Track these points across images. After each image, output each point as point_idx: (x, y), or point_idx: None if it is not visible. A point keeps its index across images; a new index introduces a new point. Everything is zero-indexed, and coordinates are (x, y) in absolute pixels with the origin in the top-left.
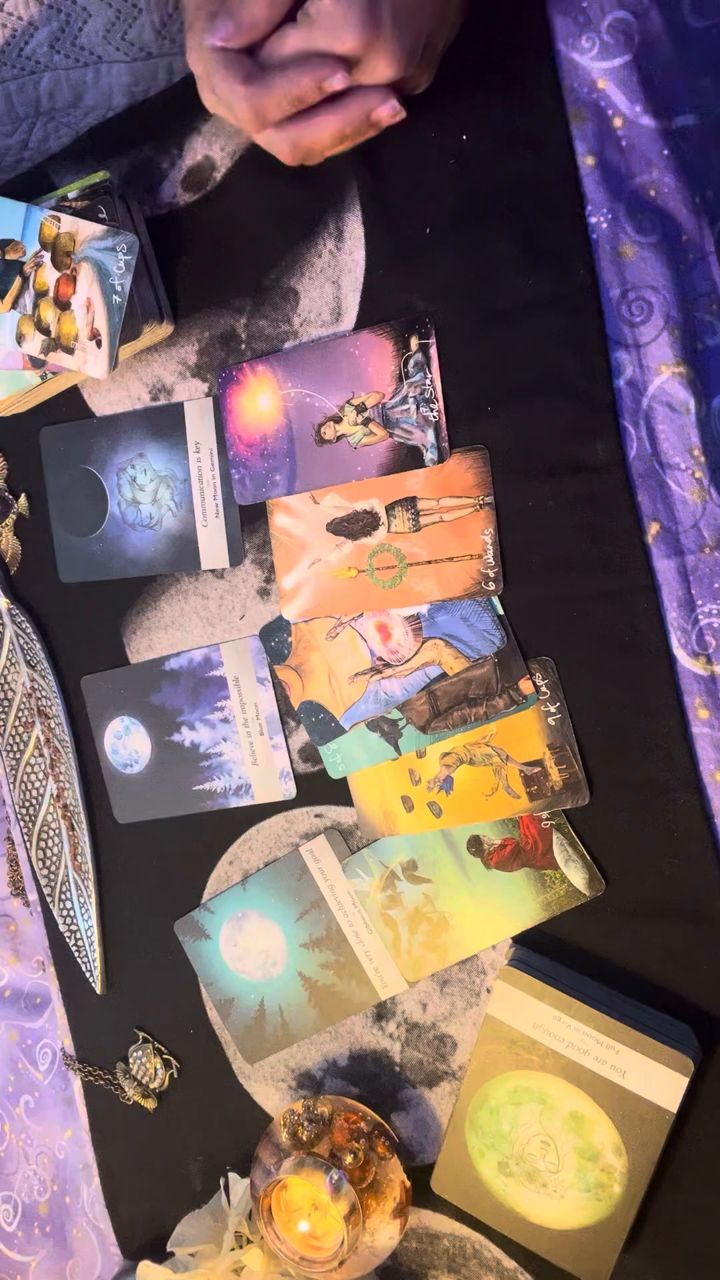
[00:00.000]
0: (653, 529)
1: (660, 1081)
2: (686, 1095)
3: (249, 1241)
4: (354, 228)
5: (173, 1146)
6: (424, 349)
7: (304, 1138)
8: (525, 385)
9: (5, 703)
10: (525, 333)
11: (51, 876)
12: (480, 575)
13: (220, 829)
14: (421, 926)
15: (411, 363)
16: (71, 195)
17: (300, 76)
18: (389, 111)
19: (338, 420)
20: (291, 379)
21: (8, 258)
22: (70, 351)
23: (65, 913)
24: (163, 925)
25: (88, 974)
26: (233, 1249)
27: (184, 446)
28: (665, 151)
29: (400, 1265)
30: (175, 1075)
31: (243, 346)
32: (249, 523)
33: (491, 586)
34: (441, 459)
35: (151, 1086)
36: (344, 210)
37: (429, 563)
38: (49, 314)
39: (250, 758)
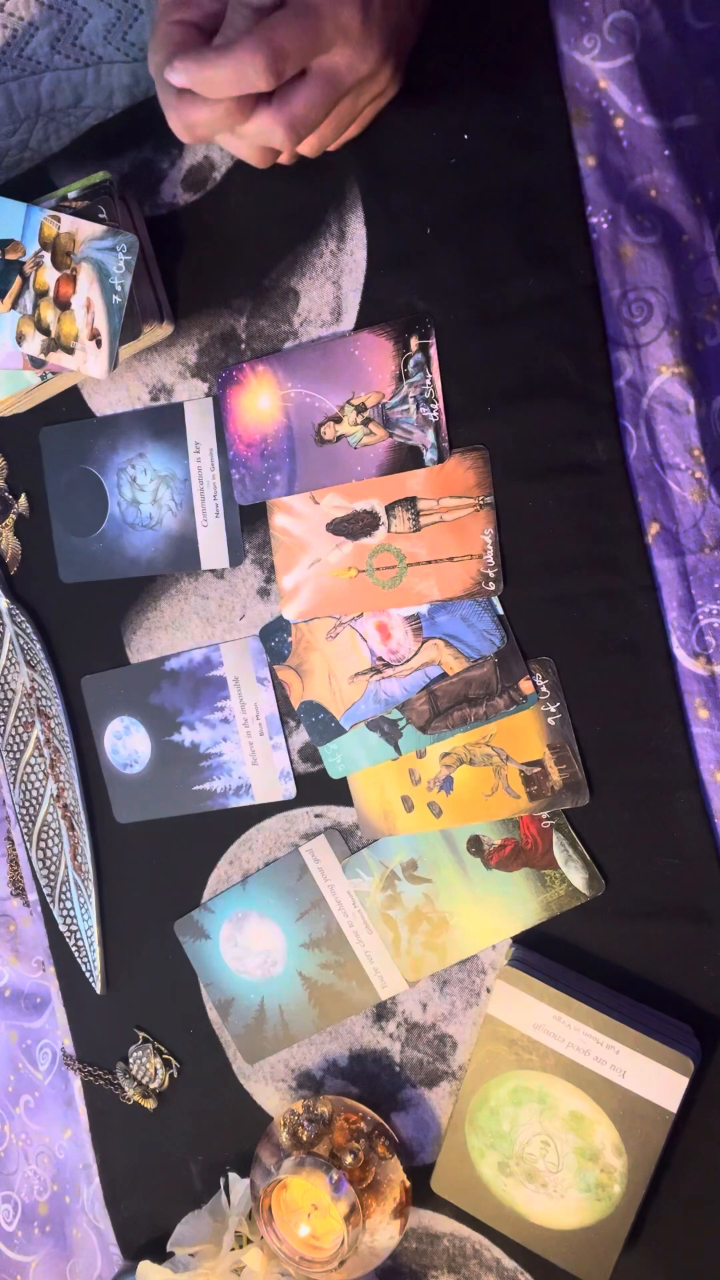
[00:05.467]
0: (653, 529)
1: (660, 1081)
2: (686, 1095)
3: (249, 1241)
4: (355, 228)
5: (173, 1146)
6: (424, 349)
7: (304, 1138)
8: (525, 385)
9: (5, 703)
10: (525, 333)
11: (51, 876)
12: (480, 575)
13: (220, 829)
14: (421, 926)
15: (411, 363)
16: (71, 195)
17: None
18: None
19: (338, 420)
20: (291, 379)
21: (8, 258)
22: (70, 351)
23: (65, 913)
24: (163, 925)
25: (88, 974)
26: (233, 1249)
27: (184, 446)
28: (666, 152)
29: (400, 1265)
30: (175, 1075)
31: (243, 346)
32: (249, 523)
33: (491, 586)
34: (441, 459)
35: (151, 1086)
36: (345, 210)
37: (429, 563)
38: (49, 314)
39: (250, 758)
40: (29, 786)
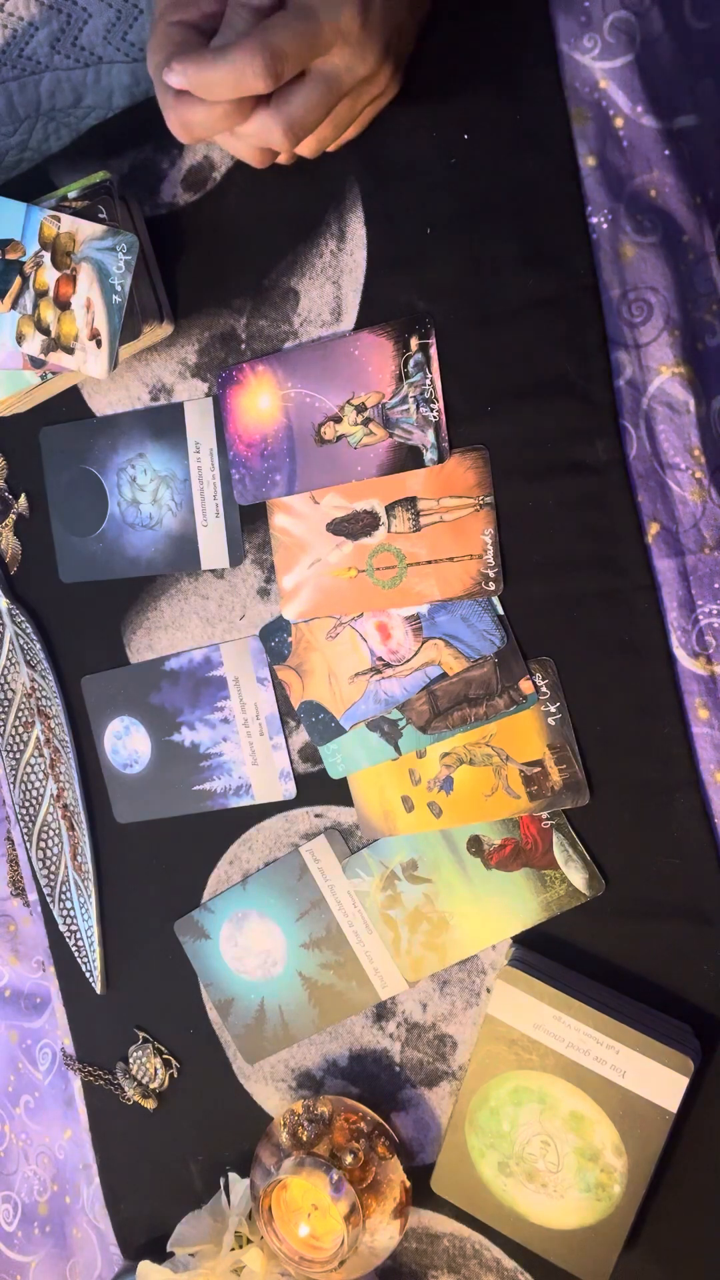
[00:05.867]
0: (653, 529)
1: (660, 1081)
2: (686, 1095)
3: (249, 1241)
4: (355, 228)
5: (173, 1146)
6: (424, 349)
7: (304, 1138)
8: (525, 385)
9: (5, 703)
10: (525, 333)
11: (51, 876)
12: (480, 575)
13: (220, 829)
14: (421, 926)
15: (411, 363)
16: (71, 195)
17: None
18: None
19: (338, 420)
20: (291, 379)
21: (8, 258)
22: (70, 351)
23: (65, 913)
24: (163, 925)
25: (88, 974)
26: (233, 1249)
27: (184, 446)
28: (666, 152)
29: (400, 1265)
30: (175, 1075)
31: (243, 346)
32: (249, 523)
33: (491, 586)
34: (441, 459)
35: (151, 1086)
36: (345, 210)
37: (429, 563)
38: (49, 314)
39: (250, 758)
40: (29, 786)
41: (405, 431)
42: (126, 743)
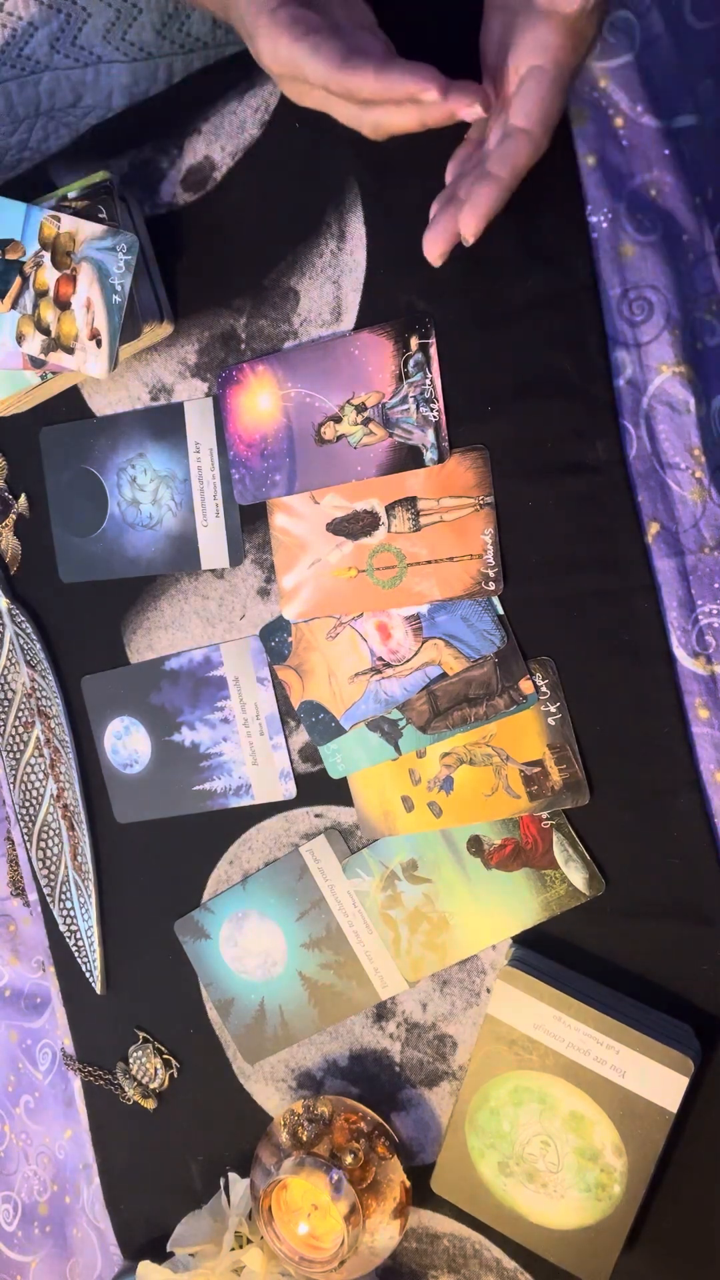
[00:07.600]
0: (653, 529)
1: (660, 1081)
2: (686, 1095)
3: (249, 1241)
4: (355, 228)
5: (173, 1146)
6: (424, 349)
7: (304, 1138)
8: (525, 385)
9: (5, 703)
10: (525, 333)
11: (51, 876)
12: (480, 575)
13: (220, 829)
14: (421, 926)
15: (411, 363)
16: (71, 195)
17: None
18: (470, 112)
19: (338, 420)
20: (291, 379)
21: (8, 258)
22: (70, 351)
23: (65, 913)
24: (163, 925)
25: (88, 974)
26: (233, 1249)
27: (184, 446)
28: (666, 151)
29: (400, 1265)
30: (175, 1075)
31: (243, 346)
32: (249, 523)
33: (491, 586)
34: (441, 459)
35: (151, 1086)
36: (345, 210)
37: (429, 563)
38: (49, 314)
39: (250, 758)
40: (29, 786)
41: (405, 431)
42: (126, 743)
